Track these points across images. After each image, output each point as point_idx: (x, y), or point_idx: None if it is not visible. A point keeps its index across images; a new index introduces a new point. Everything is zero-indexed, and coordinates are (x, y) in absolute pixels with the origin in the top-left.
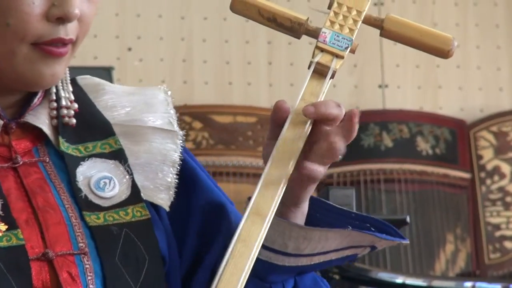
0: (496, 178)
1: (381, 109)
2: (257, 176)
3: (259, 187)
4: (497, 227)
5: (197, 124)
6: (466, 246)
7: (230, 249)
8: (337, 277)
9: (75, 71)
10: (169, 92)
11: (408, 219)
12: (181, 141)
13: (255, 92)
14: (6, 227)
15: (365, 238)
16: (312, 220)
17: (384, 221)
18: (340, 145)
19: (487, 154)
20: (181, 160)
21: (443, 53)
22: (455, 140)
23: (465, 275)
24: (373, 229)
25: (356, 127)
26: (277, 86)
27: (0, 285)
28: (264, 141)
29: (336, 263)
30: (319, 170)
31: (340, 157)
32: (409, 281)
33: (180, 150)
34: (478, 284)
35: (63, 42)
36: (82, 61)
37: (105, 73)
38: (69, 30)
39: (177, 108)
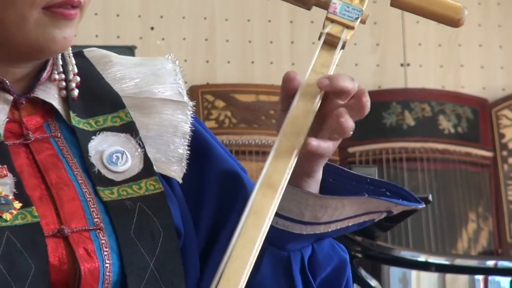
0: None
1: (403, 87)
2: None
3: (270, 159)
4: None
5: (220, 103)
6: (488, 224)
7: (242, 221)
8: (359, 255)
9: None
10: (177, 62)
11: (430, 197)
12: (191, 112)
13: (278, 71)
14: (21, 204)
15: (381, 204)
16: (326, 186)
17: (398, 184)
18: (350, 123)
19: (509, 132)
20: (192, 131)
21: (454, 21)
22: (477, 118)
23: (487, 254)
24: (388, 194)
25: (367, 105)
26: (299, 65)
27: (17, 263)
28: None
29: (353, 229)
30: (327, 145)
31: (350, 133)
32: (432, 259)
33: (191, 121)
34: (500, 262)
35: (72, 5)
36: (105, 41)
37: (128, 52)
38: None
39: (200, 87)
